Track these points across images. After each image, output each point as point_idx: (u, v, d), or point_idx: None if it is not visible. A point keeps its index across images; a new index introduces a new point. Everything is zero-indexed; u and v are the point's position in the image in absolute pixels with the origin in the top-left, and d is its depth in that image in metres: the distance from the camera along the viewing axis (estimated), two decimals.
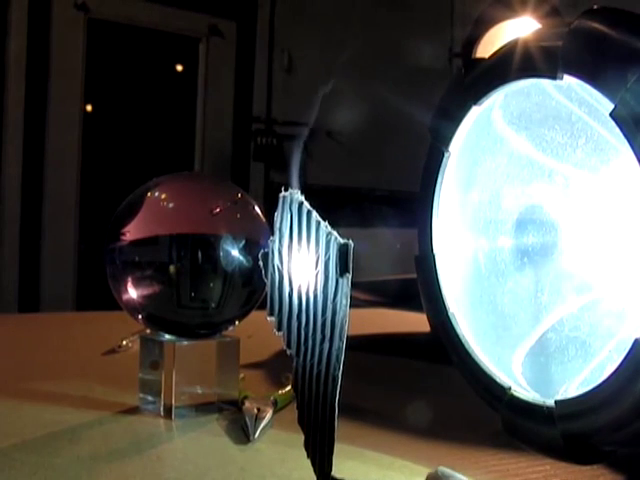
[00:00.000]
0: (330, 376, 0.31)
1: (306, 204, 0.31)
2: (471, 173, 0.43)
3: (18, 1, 2.61)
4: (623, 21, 0.33)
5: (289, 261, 0.32)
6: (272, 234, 0.32)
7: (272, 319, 0.32)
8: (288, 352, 0.32)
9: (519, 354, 0.39)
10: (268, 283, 0.32)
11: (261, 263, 0.33)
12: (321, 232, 0.31)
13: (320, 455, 0.32)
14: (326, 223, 0.31)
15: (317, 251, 0.31)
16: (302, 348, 0.32)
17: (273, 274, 0.32)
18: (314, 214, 0.31)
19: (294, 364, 0.32)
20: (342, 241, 0.31)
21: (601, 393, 0.33)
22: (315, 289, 0.31)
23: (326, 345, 0.31)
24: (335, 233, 0.31)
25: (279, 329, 0.32)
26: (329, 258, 0.31)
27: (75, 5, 2.74)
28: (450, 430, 0.44)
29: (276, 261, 0.32)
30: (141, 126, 2.96)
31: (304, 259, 0.31)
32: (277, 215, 0.32)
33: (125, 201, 0.48)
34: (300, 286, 0.32)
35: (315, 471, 0.32)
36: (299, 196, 0.32)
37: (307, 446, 0.32)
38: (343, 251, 0.31)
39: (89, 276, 2.65)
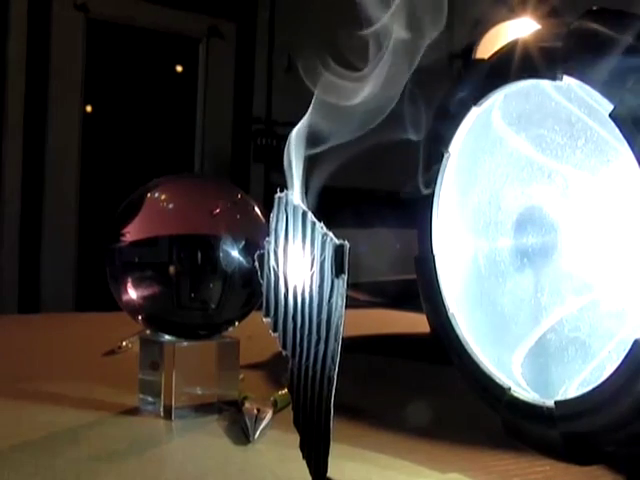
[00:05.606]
0: (325, 377, 0.31)
1: (302, 205, 0.31)
2: (471, 174, 0.43)
3: (18, 1, 2.61)
4: (623, 22, 0.33)
5: (285, 262, 0.32)
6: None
7: (268, 320, 0.32)
8: (284, 353, 0.32)
9: (519, 355, 0.39)
10: (264, 284, 0.32)
11: (257, 264, 0.33)
12: (316, 233, 0.31)
13: (315, 456, 0.32)
14: (321, 224, 0.31)
15: (313, 252, 0.31)
16: (298, 349, 0.32)
17: (269, 275, 0.32)
18: (309, 215, 0.31)
19: (289, 365, 0.32)
20: (337, 242, 0.31)
21: (601, 393, 0.33)
22: (311, 290, 0.31)
23: (321, 346, 0.31)
24: (331, 234, 0.31)
25: (275, 330, 0.32)
26: (324, 259, 0.31)
27: (75, 5, 2.74)
28: (450, 430, 0.44)
29: (272, 262, 0.32)
30: (141, 127, 2.95)
31: (300, 260, 0.31)
32: (273, 216, 0.32)
33: (125, 202, 0.48)
34: (296, 287, 0.31)
35: (310, 472, 0.32)
36: (299, 198, 0.32)
37: (302, 447, 0.32)
38: (338, 252, 0.30)
39: (89, 276, 2.64)
